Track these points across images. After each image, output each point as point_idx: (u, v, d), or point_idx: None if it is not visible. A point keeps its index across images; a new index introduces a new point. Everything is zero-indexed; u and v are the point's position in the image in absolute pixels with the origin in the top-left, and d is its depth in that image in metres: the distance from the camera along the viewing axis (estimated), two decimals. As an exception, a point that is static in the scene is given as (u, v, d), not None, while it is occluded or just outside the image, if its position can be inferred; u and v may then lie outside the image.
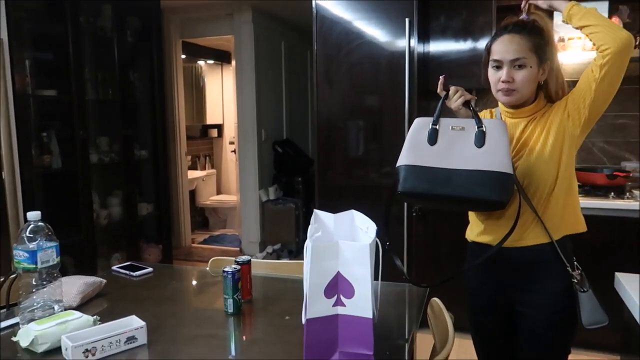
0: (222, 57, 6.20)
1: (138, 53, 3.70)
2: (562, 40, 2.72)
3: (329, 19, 2.84)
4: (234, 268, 1.40)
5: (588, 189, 2.58)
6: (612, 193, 2.52)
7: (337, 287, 1.00)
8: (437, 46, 2.89)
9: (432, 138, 1.33)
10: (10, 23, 2.52)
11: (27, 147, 2.72)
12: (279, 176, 5.01)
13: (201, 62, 6.03)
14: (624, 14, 2.73)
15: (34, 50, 2.89)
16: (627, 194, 2.54)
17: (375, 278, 1.08)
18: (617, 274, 1.40)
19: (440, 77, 1.45)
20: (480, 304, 1.55)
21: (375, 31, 2.80)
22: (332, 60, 2.88)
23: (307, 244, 0.99)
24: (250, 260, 1.49)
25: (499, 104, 1.48)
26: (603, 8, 2.59)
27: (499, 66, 1.38)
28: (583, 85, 1.34)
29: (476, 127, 1.30)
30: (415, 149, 1.33)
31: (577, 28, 1.35)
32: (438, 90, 1.44)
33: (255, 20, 4.58)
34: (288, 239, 4.72)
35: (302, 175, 4.88)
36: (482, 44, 2.78)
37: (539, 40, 1.37)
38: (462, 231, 1.57)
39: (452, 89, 1.42)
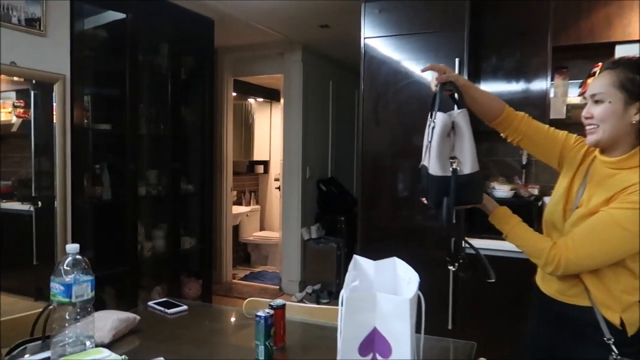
0: (271, 95, 6.34)
1: (191, 90, 3.82)
2: None
3: (377, 58, 2.83)
4: (267, 313, 1.34)
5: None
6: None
7: (374, 344, 0.91)
8: (488, 87, 2.80)
9: None
10: (73, 60, 2.66)
11: (80, 178, 2.81)
12: (322, 214, 4.96)
13: (251, 100, 6.18)
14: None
15: (94, 86, 3.03)
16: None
17: (417, 331, 0.99)
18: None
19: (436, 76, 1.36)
20: None
21: (424, 71, 2.75)
22: (379, 99, 2.85)
23: (342, 294, 0.92)
24: (285, 304, 1.42)
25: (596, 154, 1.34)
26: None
27: (586, 104, 1.29)
28: None
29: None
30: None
31: None
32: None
33: (304, 59, 4.67)
34: (329, 280, 4.62)
35: (346, 214, 4.81)
36: (535, 85, 2.67)
37: (633, 76, 1.20)
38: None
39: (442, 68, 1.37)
